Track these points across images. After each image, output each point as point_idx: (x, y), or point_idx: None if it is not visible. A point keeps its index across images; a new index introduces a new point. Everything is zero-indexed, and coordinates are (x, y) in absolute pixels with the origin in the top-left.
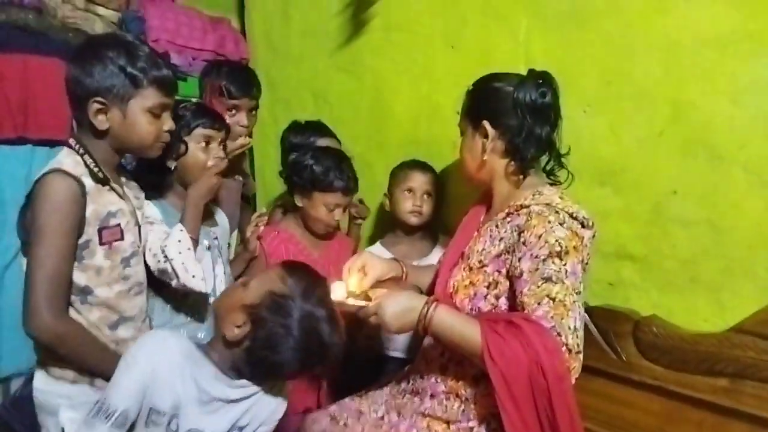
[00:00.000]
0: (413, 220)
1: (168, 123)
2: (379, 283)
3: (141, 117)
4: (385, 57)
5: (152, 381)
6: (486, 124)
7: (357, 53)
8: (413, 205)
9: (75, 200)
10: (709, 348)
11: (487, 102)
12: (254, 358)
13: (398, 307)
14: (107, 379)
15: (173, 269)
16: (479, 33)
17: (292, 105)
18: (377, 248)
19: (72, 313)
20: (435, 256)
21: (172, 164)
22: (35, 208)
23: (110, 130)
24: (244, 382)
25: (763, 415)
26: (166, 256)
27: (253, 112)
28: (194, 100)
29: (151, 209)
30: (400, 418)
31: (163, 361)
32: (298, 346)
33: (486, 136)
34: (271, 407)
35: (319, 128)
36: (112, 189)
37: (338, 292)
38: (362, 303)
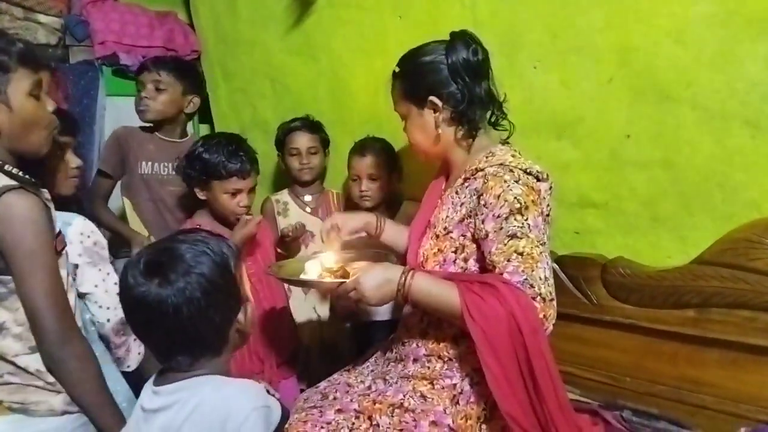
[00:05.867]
0: (365, 204)
1: (50, 103)
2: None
3: (26, 103)
4: (337, 35)
5: None
6: (433, 98)
7: (308, 34)
8: (359, 191)
9: (43, 211)
10: (675, 282)
11: (424, 78)
12: None
13: (376, 280)
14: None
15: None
16: (425, 0)
17: (250, 93)
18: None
19: None
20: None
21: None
22: (9, 235)
23: (2, 129)
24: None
25: (730, 338)
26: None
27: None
28: None
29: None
30: (386, 385)
31: None
32: None
33: (436, 110)
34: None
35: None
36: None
37: (314, 270)
38: (340, 280)
